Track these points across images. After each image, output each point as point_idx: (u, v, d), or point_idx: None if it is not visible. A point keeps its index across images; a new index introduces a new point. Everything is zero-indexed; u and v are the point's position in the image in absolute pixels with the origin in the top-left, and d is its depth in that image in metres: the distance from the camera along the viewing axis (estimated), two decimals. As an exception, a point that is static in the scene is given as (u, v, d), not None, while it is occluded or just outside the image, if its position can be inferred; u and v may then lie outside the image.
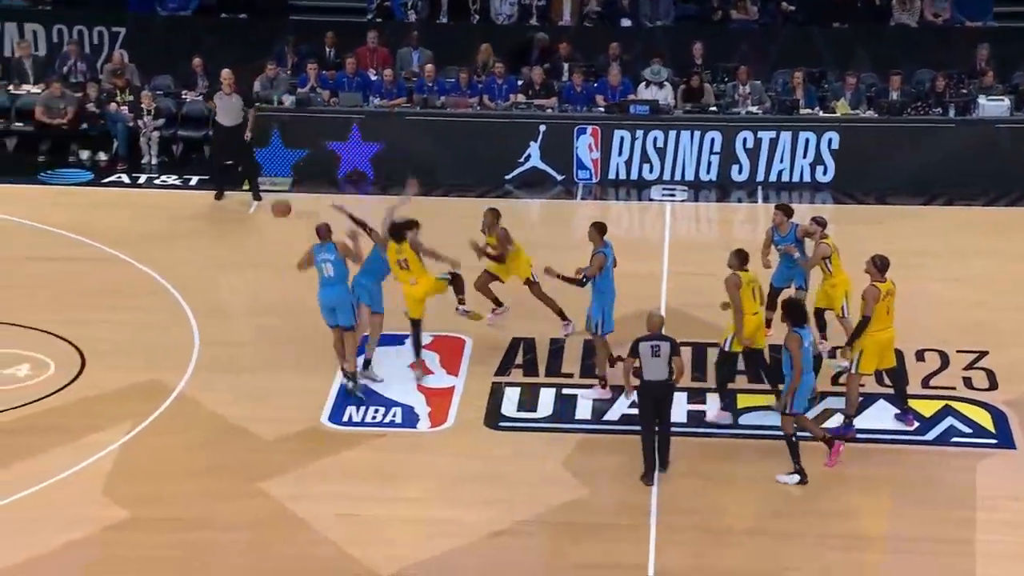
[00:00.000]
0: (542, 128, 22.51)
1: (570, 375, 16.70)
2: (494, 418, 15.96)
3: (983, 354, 17.11)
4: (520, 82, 23.31)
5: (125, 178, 22.59)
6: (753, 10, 24.93)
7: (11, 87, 23.54)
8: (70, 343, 17.17)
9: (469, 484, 14.77)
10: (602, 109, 22.91)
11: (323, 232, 16.07)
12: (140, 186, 22.35)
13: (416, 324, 16.45)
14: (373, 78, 23.53)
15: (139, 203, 21.71)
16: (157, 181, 22.46)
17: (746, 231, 21.12)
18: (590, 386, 16.31)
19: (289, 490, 14.53)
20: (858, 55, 23.84)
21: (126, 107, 23.01)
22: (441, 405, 16.10)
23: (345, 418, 15.89)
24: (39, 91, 23.27)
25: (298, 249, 17.62)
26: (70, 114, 22.96)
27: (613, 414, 15.96)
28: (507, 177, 22.52)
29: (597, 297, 16.07)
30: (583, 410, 16.06)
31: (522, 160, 22.57)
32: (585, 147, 22.52)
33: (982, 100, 22.43)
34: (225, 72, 21.33)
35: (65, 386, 16.37)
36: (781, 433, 14.71)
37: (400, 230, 16.13)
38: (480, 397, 16.24)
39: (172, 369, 16.67)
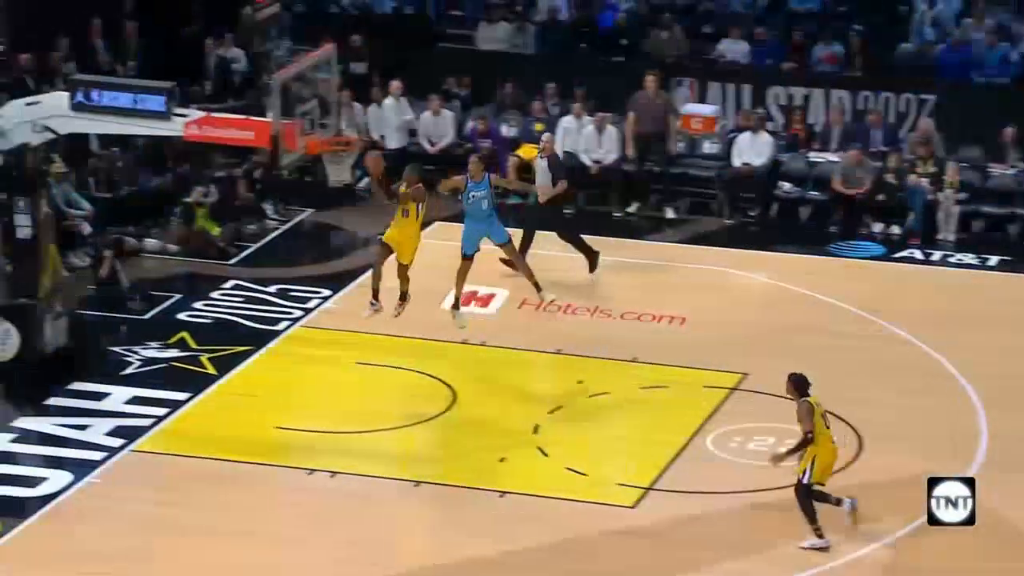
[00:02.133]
0: None
1: None
2: None
3: None
4: None
5: (918, 254, 22.27)
6: None
7: (811, 153, 23.91)
8: (846, 422, 17.02)
9: None
10: None
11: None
12: (933, 263, 21.96)
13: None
14: None
15: (931, 281, 21.36)
16: (952, 259, 21.99)
17: None
18: None
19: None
20: None
21: (926, 179, 22.71)
22: None
23: None
24: (838, 159, 23.47)
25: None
26: (867, 184, 22.97)
27: None
28: None
29: None
30: None
31: None
32: None
33: None
34: (547, 136, 21.49)
35: (840, 469, 16.17)
36: None
37: None
38: None
39: (953, 461, 16.12)
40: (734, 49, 25.45)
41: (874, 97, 24.52)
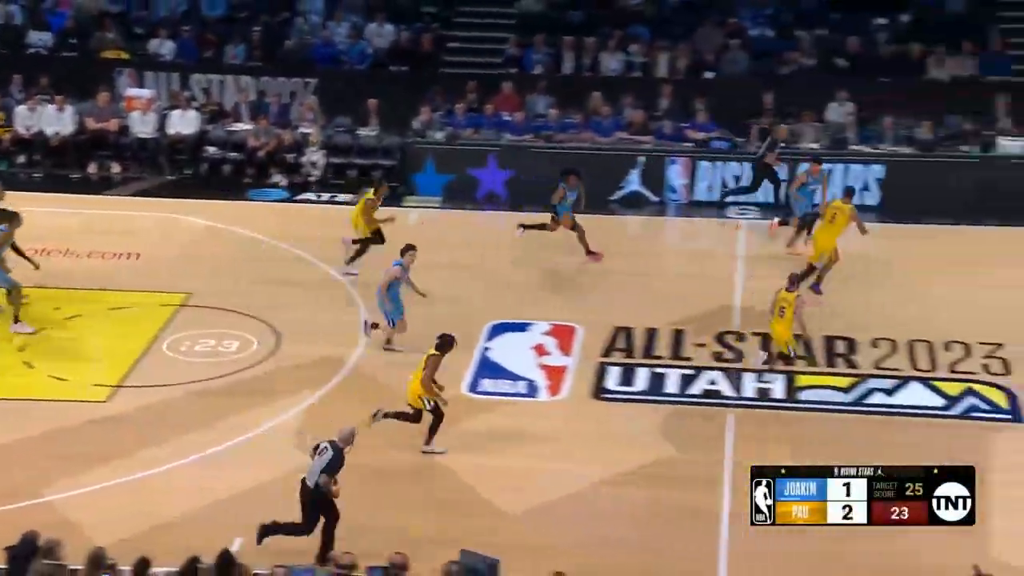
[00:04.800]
0: (640, 159, 22.25)
1: (660, 357, 16.44)
2: (599, 391, 15.78)
3: (999, 345, 16.61)
4: (624, 122, 23.04)
5: (313, 196, 22.63)
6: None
7: (227, 125, 23.73)
8: (268, 324, 17.27)
9: (579, 443, 14.62)
10: (691, 145, 22.60)
11: None
12: (323, 203, 22.30)
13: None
14: (507, 118, 23.41)
15: (323, 216, 21.58)
16: (338, 199, 22.32)
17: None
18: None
19: (438, 446, 14.45)
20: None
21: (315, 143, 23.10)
22: (557, 380, 15.94)
23: (481, 388, 15.77)
24: (250, 127, 23.45)
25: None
26: (271, 145, 23.10)
27: (696, 388, 15.73)
28: (611, 198, 22.27)
29: None
30: (671, 385, 15.82)
31: (622, 185, 22.34)
32: (675, 175, 22.27)
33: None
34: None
35: (265, 359, 16.46)
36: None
37: None
38: (588, 373, 16.04)
39: (346, 346, 16.68)
40: (163, 46, 24.82)
41: (272, 80, 24.60)
